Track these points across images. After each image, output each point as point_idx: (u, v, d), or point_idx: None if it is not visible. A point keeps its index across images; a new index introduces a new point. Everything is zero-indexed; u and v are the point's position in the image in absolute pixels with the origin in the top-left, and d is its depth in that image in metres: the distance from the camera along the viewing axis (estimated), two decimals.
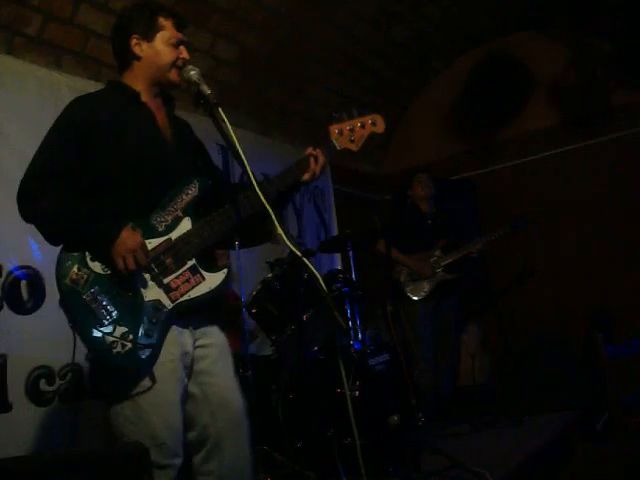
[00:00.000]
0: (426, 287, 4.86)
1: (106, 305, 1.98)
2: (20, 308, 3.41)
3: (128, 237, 2.00)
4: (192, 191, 2.17)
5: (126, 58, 2.26)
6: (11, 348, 3.29)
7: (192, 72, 2.23)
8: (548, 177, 5.98)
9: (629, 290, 5.45)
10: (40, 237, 3.46)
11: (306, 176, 2.32)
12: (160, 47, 2.23)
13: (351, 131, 2.40)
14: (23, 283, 3.44)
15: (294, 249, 2.03)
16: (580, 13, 5.51)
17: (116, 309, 1.99)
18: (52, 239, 2.14)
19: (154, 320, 2.02)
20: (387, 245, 4.44)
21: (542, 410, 4.69)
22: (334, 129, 2.38)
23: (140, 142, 2.16)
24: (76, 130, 2.12)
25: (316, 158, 2.32)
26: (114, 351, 1.95)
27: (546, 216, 5.77)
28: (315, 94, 5.78)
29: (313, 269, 2.04)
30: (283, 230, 2.03)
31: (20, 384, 3.32)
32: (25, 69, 3.71)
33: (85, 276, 2.00)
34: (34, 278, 3.49)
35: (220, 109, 2.14)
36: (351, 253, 4.31)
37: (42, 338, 3.45)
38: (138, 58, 2.23)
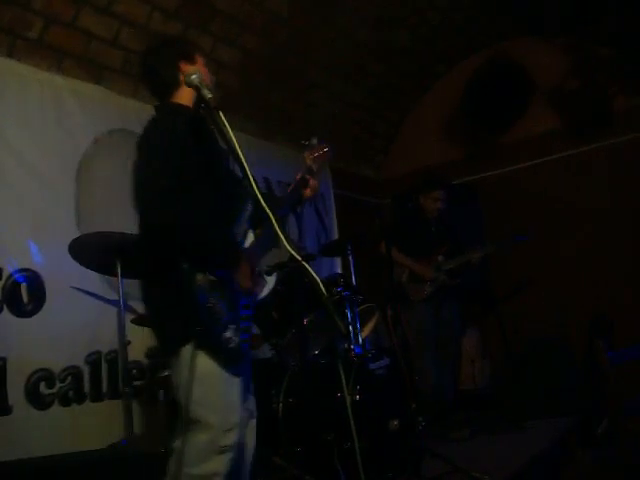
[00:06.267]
0: (427, 289, 4.85)
1: (222, 308, 2.19)
2: (20, 311, 3.41)
3: (247, 262, 2.28)
4: (249, 207, 2.42)
5: (173, 83, 2.39)
6: (11, 351, 3.29)
7: (193, 76, 2.24)
8: (549, 182, 5.98)
9: (630, 295, 5.45)
10: (40, 240, 3.53)
11: (308, 191, 2.62)
12: (201, 69, 2.41)
13: (317, 158, 2.70)
14: (23, 286, 3.44)
15: (294, 253, 2.03)
16: (581, 18, 5.52)
17: (227, 311, 2.20)
18: (184, 252, 2.20)
19: (245, 319, 2.28)
20: (387, 248, 4.42)
21: (542, 415, 4.68)
22: (309, 155, 2.68)
23: (214, 158, 2.37)
24: (181, 148, 2.25)
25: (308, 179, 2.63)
26: (230, 346, 2.18)
27: (547, 221, 5.77)
28: (317, 97, 5.78)
29: (313, 273, 2.04)
30: (283, 234, 2.03)
31: (20, 387, 3.33)
32: (26, 72, 3.72)
33: (207, 283, 2.17)
34: (34, 281, 3.50)
35: (221, 113, 2.15)
36: (351, 257, 4.31)
37: (42, 341, 3.46)
38: None
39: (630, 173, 5.59)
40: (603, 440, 4.37)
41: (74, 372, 3.60)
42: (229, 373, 2.21)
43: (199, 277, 2.16)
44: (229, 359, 2.21)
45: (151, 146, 2.26)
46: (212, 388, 2.19)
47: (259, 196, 2.05)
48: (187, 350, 2.15)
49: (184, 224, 2.17)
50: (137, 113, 4.33)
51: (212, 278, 2.19)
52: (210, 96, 2.19)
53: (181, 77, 2.36)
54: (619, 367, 4.67)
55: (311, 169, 2.67)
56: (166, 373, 3.51)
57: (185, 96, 2.39)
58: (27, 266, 3.48)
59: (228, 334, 2.18)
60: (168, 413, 3.42)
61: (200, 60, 2.46)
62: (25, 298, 3.45)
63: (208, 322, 2.16)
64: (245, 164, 2.08)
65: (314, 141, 2.74)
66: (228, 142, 2.11)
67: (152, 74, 2.46)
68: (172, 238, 2.17)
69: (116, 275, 3.23)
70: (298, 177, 2.63)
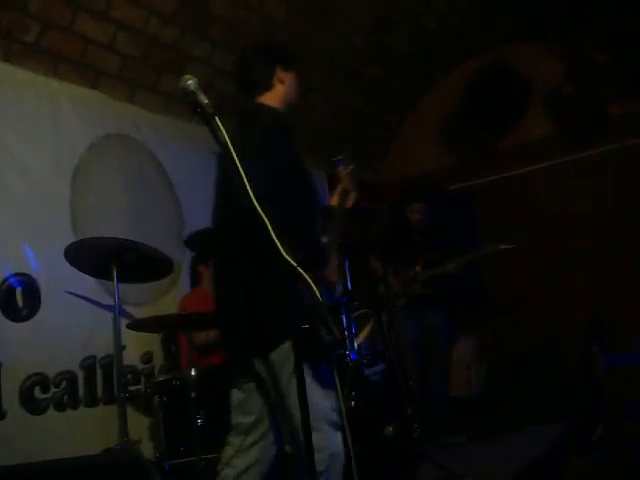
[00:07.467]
0: (400, 301, 4.92)
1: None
2: (15, 315, 3.41)
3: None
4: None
5: (263, 83, 2.54)
6: (5, 355, 3.28)
7: (189, 82, 2.22)
8: (546, 187, 5.99)
9: (625, 301, 5.45)
10: (36, 245, 3.52)
11: (349, 202, 2.89)
12: (293, 81, 2.59)
13: (350, 172, 2.96)
14: (18, 291, 3.44)
15: (289, 259, 2.03)
16: (578, 24, 5.53)
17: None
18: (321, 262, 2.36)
19: None
20: (381, 255, 4.45)
21: (538, 420, 4.68)
22: (343, 170, 2.94)
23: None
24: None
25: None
26: (327, 341, 2.25)
27: (544, 226, 5.78)
28: (315, 101, 5.78)
29: (308, 279, 2.04)
30: (279, 240, 2.03)
31: (14, 392, 3.32)
32: (23, 77, 3.72)
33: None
34: (29, 286, 3.49)
35: (217, 118, 2.14)
36: (347, 262, 4.31)
37: (37, 346, 3.45)
38: (282, 82, 2.55)
39: (628, 178, 5.59)
40: (599, 446, 4.37)
41: (69, 377, 3.59)
42: (325, 366, 2.33)
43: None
44: (328, 354, 2.30)
45: (277, 143, 2.37)
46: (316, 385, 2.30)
47: (255, 203, 2.04)
48: (286, 348, 2.22)
49: (313, 222, 2.31)
50: (133, 118, 4.36)
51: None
52: (206, 101, 2.18)
53: (275, 80, 2.52)
54: (617, 369, 4.68)
55: (349, 181, 2.90)
56: (161, 378, 3.51)
57: (273, 98, 2.53)
58: (22, 270, 3.48)
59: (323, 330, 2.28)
60: (166, 418, 3.41)
61: (294, 73, 2.58)
62: (20, 303, 3.44)
63: (319, 318, 2.20)
64: (241, 170, 2.08)
65: (342, 157, 2.99)
66: (224, 147, 2.10)
67: (246, 69, 2.59)
68: (304, 236, 2.25)
69: (112, 280, 3.23)
70: (339, 190, 2.86)
